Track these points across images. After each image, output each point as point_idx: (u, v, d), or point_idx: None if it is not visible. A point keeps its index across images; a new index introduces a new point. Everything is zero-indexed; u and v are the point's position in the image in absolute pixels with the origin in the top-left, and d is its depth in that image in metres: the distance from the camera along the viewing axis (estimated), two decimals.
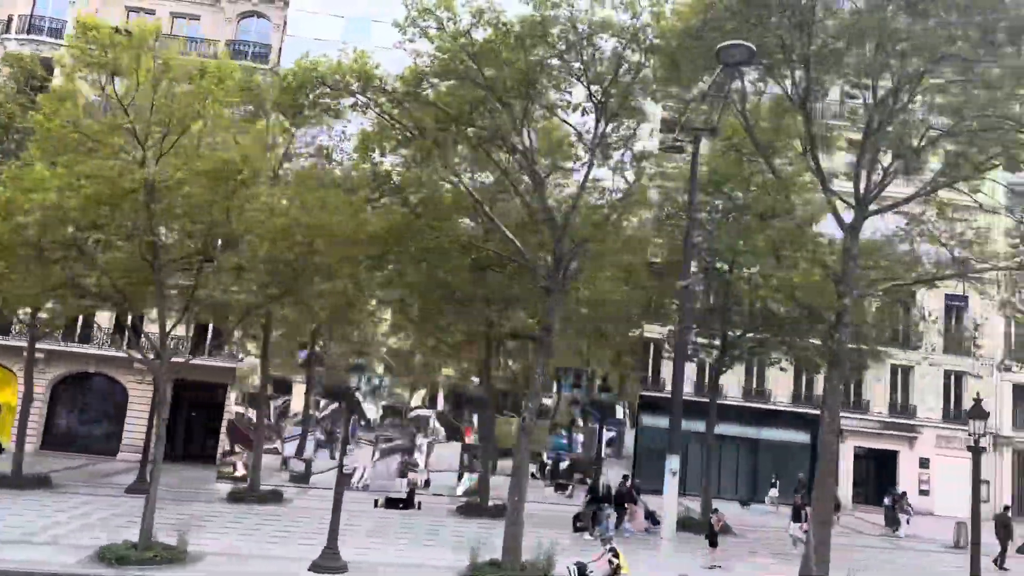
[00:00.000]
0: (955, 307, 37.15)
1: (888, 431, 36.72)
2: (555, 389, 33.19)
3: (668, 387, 37.26)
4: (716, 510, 25.20)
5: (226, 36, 37.05)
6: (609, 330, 25.90)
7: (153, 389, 27.28)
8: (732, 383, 37.09)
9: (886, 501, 29.84)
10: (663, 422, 36.82)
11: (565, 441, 39.77)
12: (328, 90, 16.26)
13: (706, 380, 37.40)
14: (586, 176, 17.44)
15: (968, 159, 17.35)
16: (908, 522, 29.45)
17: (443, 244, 18.09)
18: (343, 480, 16.80)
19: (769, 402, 37.01)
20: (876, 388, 37.08)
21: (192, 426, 37.12)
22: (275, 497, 24.82)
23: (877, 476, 37.35)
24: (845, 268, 17.94)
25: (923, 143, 17.83)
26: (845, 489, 36.44)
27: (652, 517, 27.13)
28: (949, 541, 27.14)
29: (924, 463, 36.61)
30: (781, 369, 36.48)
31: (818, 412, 36.50)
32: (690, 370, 36.75)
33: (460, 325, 20.24)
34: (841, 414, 36.71)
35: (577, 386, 30.64)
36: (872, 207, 18.44)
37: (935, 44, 16.36)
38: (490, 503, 25.41)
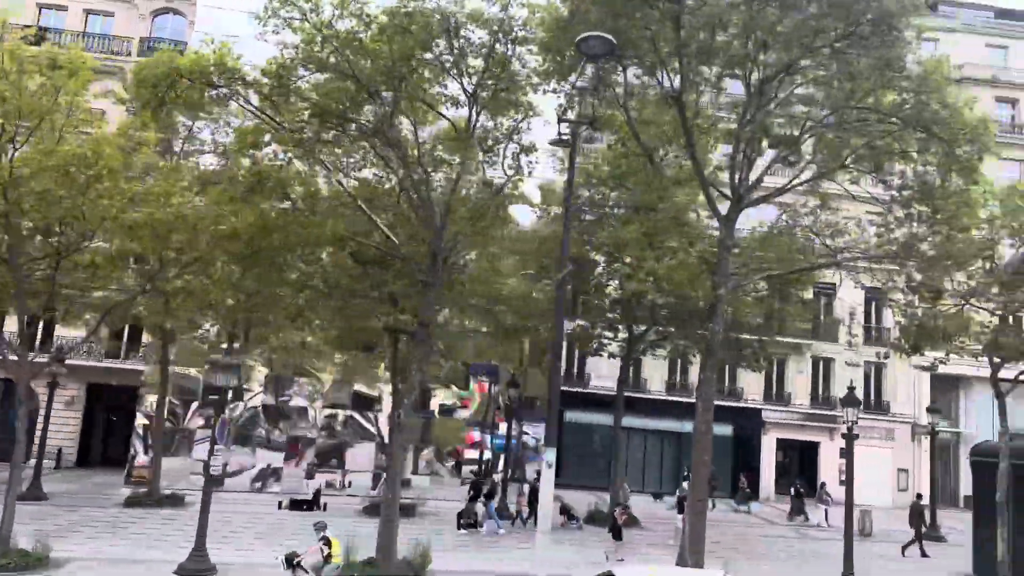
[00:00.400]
0: (873, 299, 37.74)
1: (810, 422, 37.20)
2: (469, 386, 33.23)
3: (594, 382, 37.50)
4: (620, 503, 25.32)
5: (140, 33, 36.36)
6: (516, 325, 25.79)
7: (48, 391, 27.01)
8: (655, 377, 37.37)
9: (791, 492, 30.18)
10: (589, 417, 37.27)
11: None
12: (189, 83, 15.91)
13: (630, 375, 37.72)
14: (460, 171, 17.29)
15: (835, 151, 17.53)
16: (828, 512, 29.77)
17: (320, 239, 17.83)
18: (211, 482, 16.46)
19: (692, 395, 37.17)
20: (798, 380, 37.56)
21: (112, 430, 36.41)
22: (174, 501, 24.35)
23: (799, 467, 37.84)
24: (720, 259, 18.05)
25: (800, 135, 18.00)
26: (768, 480, 36.88)
27: (569, 513, 27.20)
28: (864, 529, 27.50)
29: (844, 453, 37.06)
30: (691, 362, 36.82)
31: (741, 405, 37.17)
32: (614, 365, 36.94)
33: (338, 322, 19.96)
34: (764, 406, 37.60)
35: (492, 383, 30.45)
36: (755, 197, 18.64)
37: (801, 36, 16.50)
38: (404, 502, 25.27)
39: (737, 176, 18.12)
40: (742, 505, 30.42)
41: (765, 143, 18.30)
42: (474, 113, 17.36)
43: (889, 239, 17.65)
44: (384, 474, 28.59)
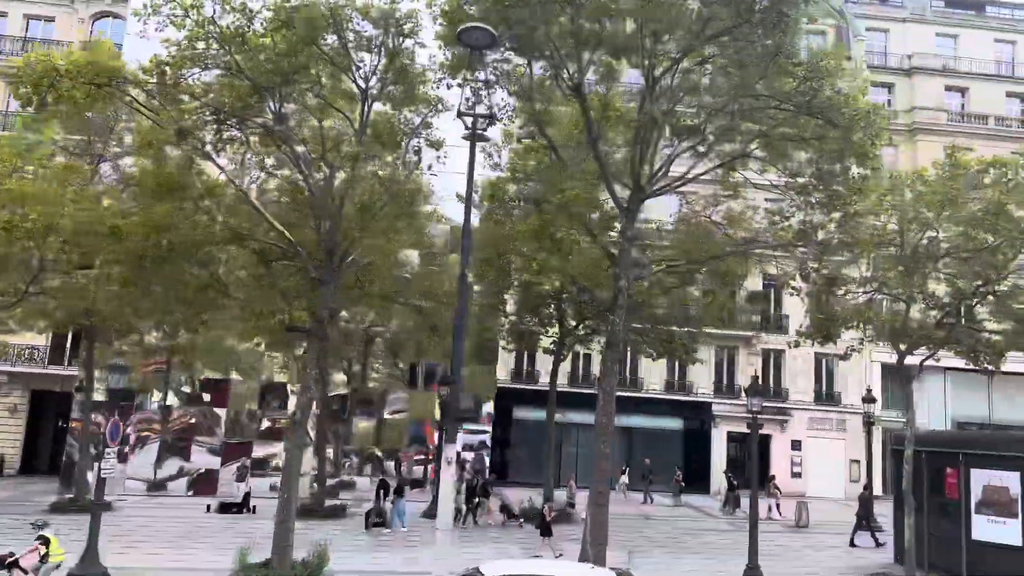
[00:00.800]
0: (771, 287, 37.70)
1: (760, 415, 36.98)
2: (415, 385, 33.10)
3: (544, 380, 37.28)
4: (548, 500, 25.21)
5: (80, 37, 36.03)
6: (445, 323, 25.61)
7: None
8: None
9: (725, 484, 30.13)
10: (539, 414, 37.03)
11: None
12: (69, 83, 15.69)
13: (579, 371, 37.63)
14: (355, 163, 17.07)
15: (733, 140, 17.43)
16: (776, 506, 29.67)
17: (217, 238, 17.65)
18: (102, 486, 16.26)
19: (642, 391, 37.15)
20: (749, 373, 37.40)
21: (60, 437, 36.09)
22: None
23: (750, 460, 37.74)
24: (621, 250, 17.91)
25: (702, 124, 17.86)
26: (718, 473, 36.75)
27: (508, 511, 27.07)
28: (800, 521, 27.46)
29: (796, 445, 37.09)
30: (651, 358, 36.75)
31: (691, 399, 37.07)
32: (565, 363, 36.81)
33: (244, 321, 19.76)
34: (714, 400, 37.51)
35: (429, 381, 30.22)
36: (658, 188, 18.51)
37: (690, 24, 16.38)
38: (336, 504, 25.15)
39: (642, 167, 18.02)
40: (677, 498, 30.30)
41: (667, 132, 18.15)
42: (366, 108, 17.19)
43: (784, 227, 17.54)
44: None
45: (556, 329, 27.23)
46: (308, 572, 16.28)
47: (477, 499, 26.76)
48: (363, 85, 17.12)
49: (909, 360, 19.12)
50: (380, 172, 17.61)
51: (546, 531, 22.45)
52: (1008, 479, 17.61)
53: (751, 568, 17.23)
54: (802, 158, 17.67)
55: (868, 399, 29.04)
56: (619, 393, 36.95)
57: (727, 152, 17.89)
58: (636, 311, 25.00)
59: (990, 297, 17.85)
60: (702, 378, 37.39)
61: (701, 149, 18.35)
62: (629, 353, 36.29)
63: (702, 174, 18.43)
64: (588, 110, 17.78)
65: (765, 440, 37.35)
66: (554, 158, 19.10)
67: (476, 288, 26.36)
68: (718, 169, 18.33)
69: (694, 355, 26.85)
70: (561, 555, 20.39)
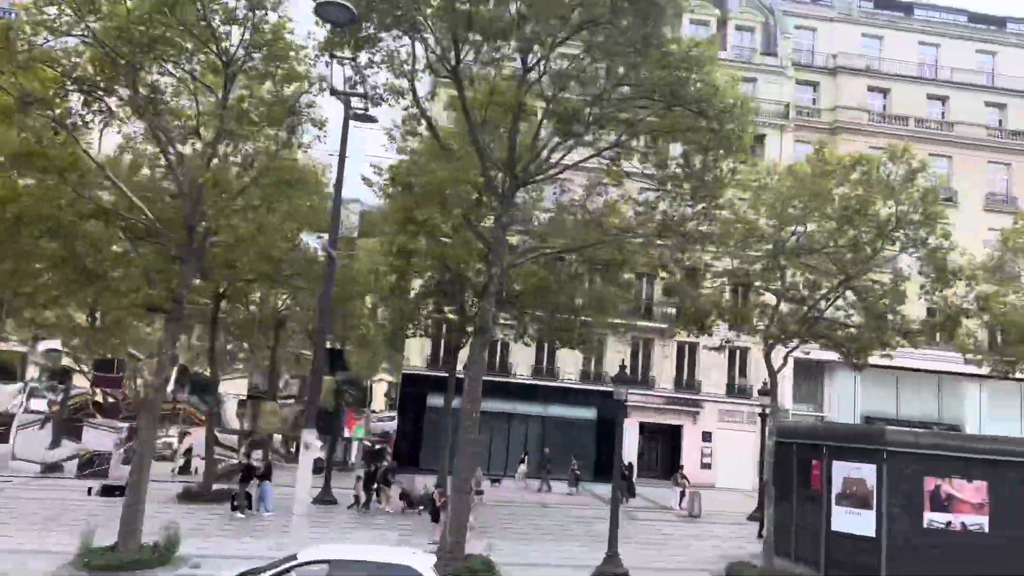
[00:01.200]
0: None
1: (672, 406, 37.46)
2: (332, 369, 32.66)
3: (459, 368, 37.13)
4: (439, 486, 25.14)
5: None
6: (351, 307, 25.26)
7: None
8: (522, 361, 37.22)
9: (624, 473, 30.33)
10: (456, 402, 36.82)
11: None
12: None
13: (497, 359, 37.56)
14: (215, 143, 16.64)
15: (604, 129, 17.37)
16: (682, 495, 29.88)
17: (80, 211, 17.11)
18: None
19: (558, 380, 37.23)
20: (663, 364, 37.78)
21: None
22: None
23: (662, 450, 38.20)
24: (495, 237, 17.78)
25: (574, 113, 17.76)
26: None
27: (408, 498, 26.91)
28: (692, 511, 27.72)
29: (707, 437, 37.52)
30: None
31: (605, 388, 37.15)
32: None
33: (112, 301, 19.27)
34: (628, 390, 37.61)
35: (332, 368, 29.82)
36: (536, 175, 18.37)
37: (558, 9, 16.24)
38: (225, 488, 24.66)
39: (514, 152, 17.88)
40: (572, 487, 30.43)
41: (543, 119, 18.02)
42: (229, 83, 16.75)
43: (652, 217, 17.57)
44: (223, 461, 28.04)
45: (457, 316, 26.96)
46: (157, 556, 15.94)
47: (377, 485, 26.55)
48: (226, 59, 16.66)
49: (819, 356, 19.30)
50: (247, 149, 17.19)
51: (436, 517, 22.35)
52: (865, 471, 17.88)
53: (610, 555, 17.28)
54: (676, 150, 17.70)
55: (764, 391, 29.35)
56: (535, 382, 37.41)
57: (601, 141, 17.83)
58: (535, 300, 25.03)
59: (849, 292, 18.10)
60: (616, 368, 37.49)
61: (587, 138, 18.28)
62: (547, 343, 36.38)
63: (581, 162, 18.36)
64: (463, 93, 17.57)
65: (676, 431, 37.80)
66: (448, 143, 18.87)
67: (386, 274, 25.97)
68: (597, 158, 18.23)
69: (591, 344, 26.81)
70: (488, 543, 20.37)
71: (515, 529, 22.57)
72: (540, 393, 36.74)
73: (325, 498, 25.08)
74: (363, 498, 25.77)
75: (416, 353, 36.18)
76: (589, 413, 36.72)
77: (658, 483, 34.60)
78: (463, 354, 36.88)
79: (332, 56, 16.80)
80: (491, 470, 34.12)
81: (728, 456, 37.18)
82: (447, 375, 36.27)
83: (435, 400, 36.46)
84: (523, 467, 30.09)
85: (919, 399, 39.33)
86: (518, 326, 26.38)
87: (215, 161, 16.82)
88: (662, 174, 17.28)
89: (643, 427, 37.58)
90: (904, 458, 17.73)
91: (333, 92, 17.76)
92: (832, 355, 35.91)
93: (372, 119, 20.43)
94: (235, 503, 21.58)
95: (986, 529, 17.62)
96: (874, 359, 38.19)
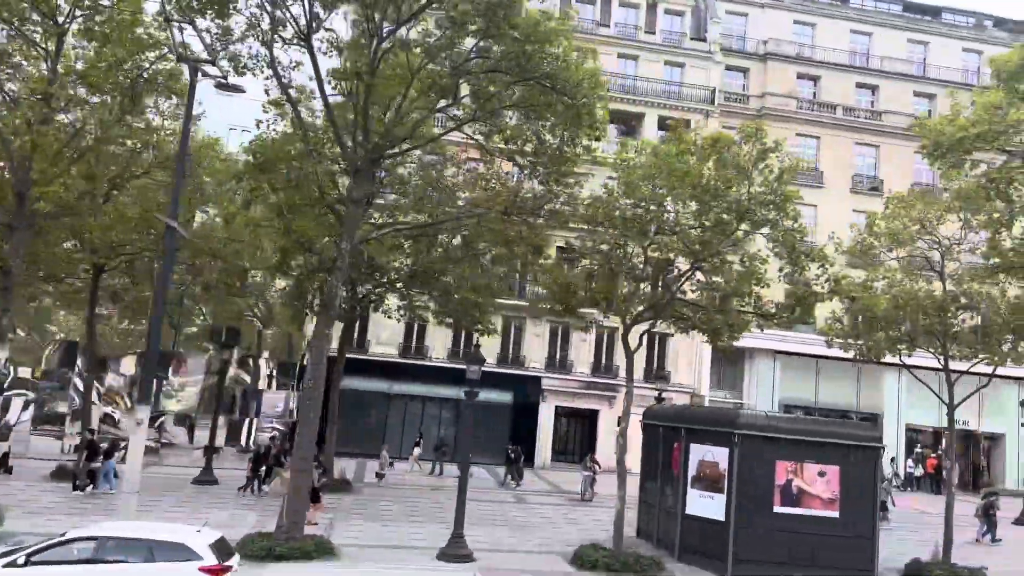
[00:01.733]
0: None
1: (589, 391, 37.30)
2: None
3: (374, 349, 36.77)
4: (319, 466, 24.73)
5: None
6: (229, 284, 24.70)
7: None
8: (438, 344, 36.87)
9: (506, 456, 30.21)
10: (367, 384, 36.57)
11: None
12: None
13: (413, 341, 37.18)
14: (41, 107, 16.02)
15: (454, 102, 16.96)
16: (593, 481, 29.68)
17: None
18: None
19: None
20: (581, 348, 37.58)
21: None
22: None
23: (579, 435, 38.08)
24: (347, 212, 17.35)
25: (429, 86, 17.32)
26: (545, 447, 36.93)
27: None
28: (584, 495, 27.59)
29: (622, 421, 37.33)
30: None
31: (521, 372, 37.01)
32: (396, 332, 36.32)
33: None
34: (544, 374, 37.51)
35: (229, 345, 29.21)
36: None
37: None
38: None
39: (367, 123, 17.41)
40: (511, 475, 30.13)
41: (400, 88, 17.56)
42: (60, 43, 16.15)
43: (499, 193, 17.21)
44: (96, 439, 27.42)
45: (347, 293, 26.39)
46: None
47: (266, 467, 26.09)
48: (57, 19, 16.05)
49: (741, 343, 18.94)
50: (78, 115, 16.59)
51: (315, 498, 21.96)
52: (719, 454, 17.76)
53: (455, 536, 17.00)
54: (531, 127, 17.32)
55: (659, 376, 29.31)
56: (450, 365, 37.00)
57: (455, 115, 17.44)
58: (425, 279, 24.64)
59: (698, 273, 17.90)
60: (536, 352, 37.37)
61: (455, 112, 17.86)
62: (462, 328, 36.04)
63: (441, 135, 17.99)
64: (316, 61, 17.10)
65: (593, 415, 37.66)
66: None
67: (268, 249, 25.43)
68: (469, 135, 17.82)
69: (483, 326, 26.48)
70: (330, 520, 20.04)
71: (391, 512, 22.25)
72: (455, 375, 36.25)
73: (205, 478, 24.61)
74: (252, 479, 25.30)
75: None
76: (505, 397, 36.45)
77: (573, 467, 34.44)
78: (384, 335, 36.80)
79: (168, 20, 16.24)
80: (403, 452, 33.77)
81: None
82: (363, 357, 36.26)
83: (348, 382, 36.04)
84: (417, 450, 29.71)
85: (838, 387, 39.48)
86: (407, 307, 25.96)
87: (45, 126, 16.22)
88: (511, 149, 16.89)
89: (560, 411, 37.40)
90: (757, 442, 17.64)
91: (180, 59, 17.26)
92: (754, 342, 36.25)
93: (238, 89, 19.88)
94: (76, 481, 21.04)
95: (837, 514, 17.60)
96: (794, 347, 38.42)
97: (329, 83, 17.84)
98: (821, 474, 17.54)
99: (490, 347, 37.14)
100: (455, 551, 16.85)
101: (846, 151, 41.49)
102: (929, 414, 40.28)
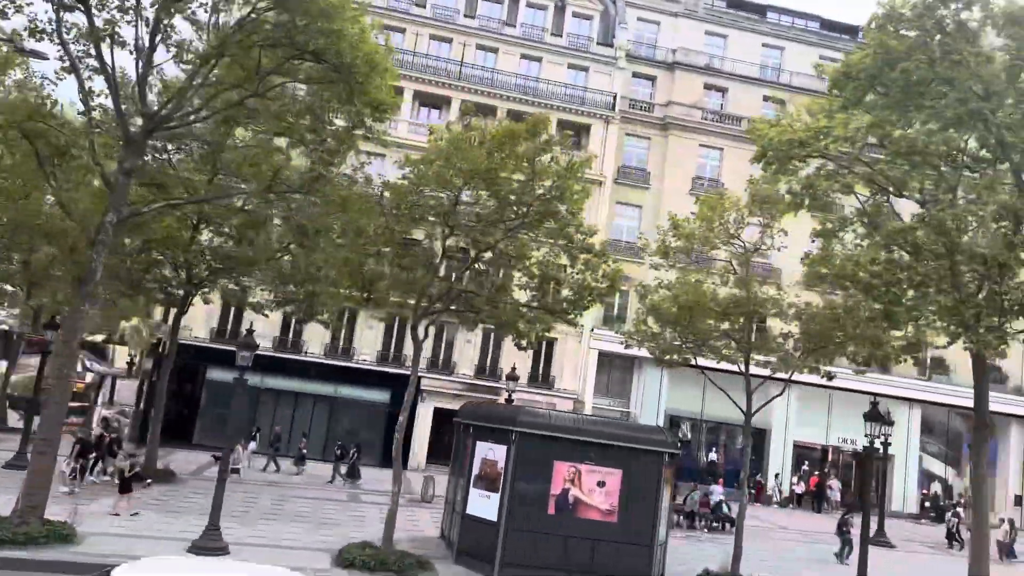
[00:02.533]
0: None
1: (471, 392, 36.53)
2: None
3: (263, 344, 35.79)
4: (132, 455, 23.95)
5: None
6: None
7: None
8: (315, 340, 36.04)
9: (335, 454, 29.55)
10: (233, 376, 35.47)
11: None
12: None
13: (290, 336, 36.34)
14: None
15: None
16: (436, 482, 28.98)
17: None
18: None
19: (353, 360, 36.14)
20: (466, 350, 36.94)
21: None
22: None
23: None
24: (118, 185, 16.58)
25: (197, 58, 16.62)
26: (421, 448, 36.18)
27: (136, 473, 25.56)
28: (425, 495, 26.91)
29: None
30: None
31: (401, 372, 36.20)
32: (272, 324, 35.40)
33: None
34: (425, 375, 36.78)
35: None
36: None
37: None
38: None
39: (144, 93, 16.72)
40: (300, 466, 29.28)
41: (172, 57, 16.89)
42: None
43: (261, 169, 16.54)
44: None
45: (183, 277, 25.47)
46: None
47: (95, 455, 25.14)
48: None
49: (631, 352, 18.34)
50: None
51: (125, 488, 21.12)
52: (499, 453, 17.16)
53: (210, 529, 16.23)
54: (308, 102, 16.69)
55: (511, 376, 28.72)
56: (328, 362, 36.20)
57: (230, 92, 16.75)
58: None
59: (479, 264, 17.35)
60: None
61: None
62: (345, 321, 35.34)
63: (224, 109, 17.26)
64: (92, 22, 16.33)
65: None
66: None
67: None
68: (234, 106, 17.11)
69: (333, 319, 25.64)
70: (136, 514, 19.19)
71: (186, 506, 21.39)
72: (333, 373, 35.63)
73: (19, 463, 23.61)
74: (75, 467, 24.35)
75: (201, 323, 34.68)
76: (383, 396, 35.72)
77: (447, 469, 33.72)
78: (259, 328, 35.82)
79: None
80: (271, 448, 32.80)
81: None
82: (231, 349, 35.27)
83: (216, 374, 35.14)
84: (253, 444, 28.75)
85: (726, 401, 38.90)
86: (239, 292, 25.14)
87: None
88: (281, 125, 16.25)
89: (439, 413, 36.62)
90: (535, 440, 17.06)
91: None
92: (643, 351, 35.80)
93: (39, 54, 19.15)
94: None
95: (615, 518, 17.05)
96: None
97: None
98: (601, 484, 16.96)
99: (369, 344, 36.57)
100: (207, 543, 16.08)
101: (749, 164, 41.18)
102: (818, 431, 40.17)
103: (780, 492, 38.02)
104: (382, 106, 16.23)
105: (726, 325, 18.36)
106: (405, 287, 18.20)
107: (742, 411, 19.81)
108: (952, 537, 28.97)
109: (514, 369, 28.34)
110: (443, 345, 36.91)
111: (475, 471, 17.68)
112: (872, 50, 19.11)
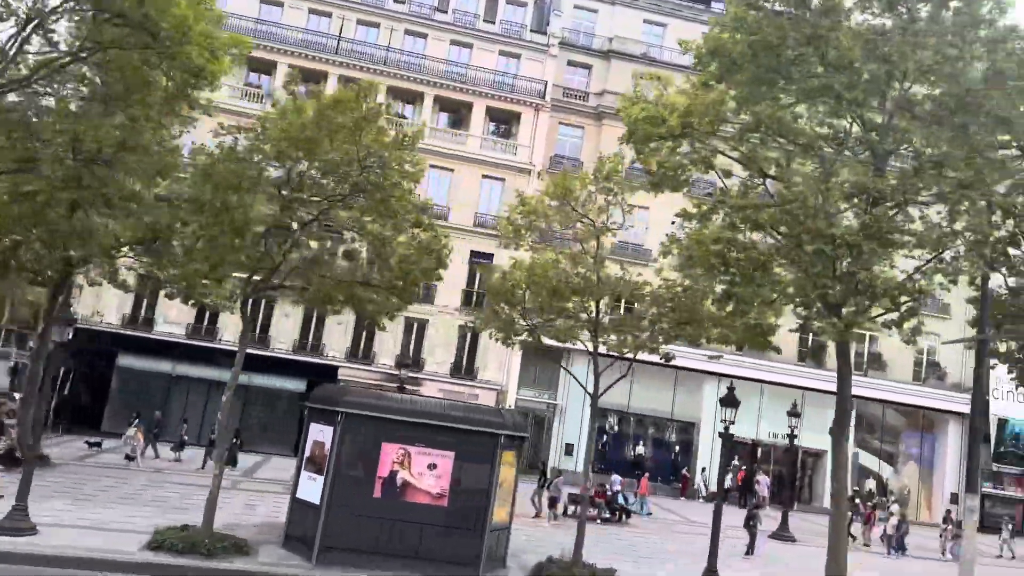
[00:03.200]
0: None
1: (391, 382, 36.01)
2: None
3: (159, 328, 35.35)
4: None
5: None
6: None
7: None
8: (230, 328, 35.49)
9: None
10: (151, 364, 35.12)
11: None
12: None
13: (204, 323, 35.83)
14: None
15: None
16: None
17: None
18: None
19: (269, 349, 35.60)
20: (385, 339, 36.36)
21: None
22: None
23: None
24: None
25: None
26: None
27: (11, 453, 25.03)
28: None
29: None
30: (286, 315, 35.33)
31: (318, 360, 35.74)
32: (186, 312, 34.86)
33: None
34: (343, 364, 36.28)
35: None
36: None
37: None
38: None
39: None
40: (176, 452, 28.65)
41: None
42: None
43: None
44: None
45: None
46: None
47: None
48: None
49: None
50: None
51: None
52: (326, 434, 16.60)
53: (17, 509, 15.63)
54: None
55: (401, 363, 28.19)
56: (250, 350, 35.51)
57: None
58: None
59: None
60: (336, 341, 36.16)
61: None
62: (261, 310, 34.81)
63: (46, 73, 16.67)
64: None
65: None
66: None
67: None
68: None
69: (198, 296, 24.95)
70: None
71: (39, 489, 20.73)
72: (249, 362, 34.81)
73: None
74: None
75: (111, 309, 34.15)
76: (299, 385, 35.15)
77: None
78: (172, 314, 35.36)
79: None
80: (185, 436, 32.21)
81: None
82: (145, 335, 34.82)
83: (127, 361, 34.65)
84: (131, 429, 28.07)
85: (654, 394, 38.53)
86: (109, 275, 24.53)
87: None
88: (97, 93, 15.71)
89: None
90: (362, 421, 16.50)
91: None
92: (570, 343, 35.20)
93: None
94: None
95: (446, 502, 16.50)
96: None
97: None
98: (432, 467, 16.40)
99: (287, 333, 36.05)
100: (13, 523, 15.52)
101: None
102: (748, 425, 39.57)
103: (706, 487, 37.45)
104: (202, 73, 15.68)
105: (570, 305, 17.79)
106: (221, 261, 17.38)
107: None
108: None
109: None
110: (364, 335, 36.34)
111: (307, 453, 17.14)
112: (730, 25, 18.64)
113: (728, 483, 37.24)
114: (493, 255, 34.00)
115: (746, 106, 18.41)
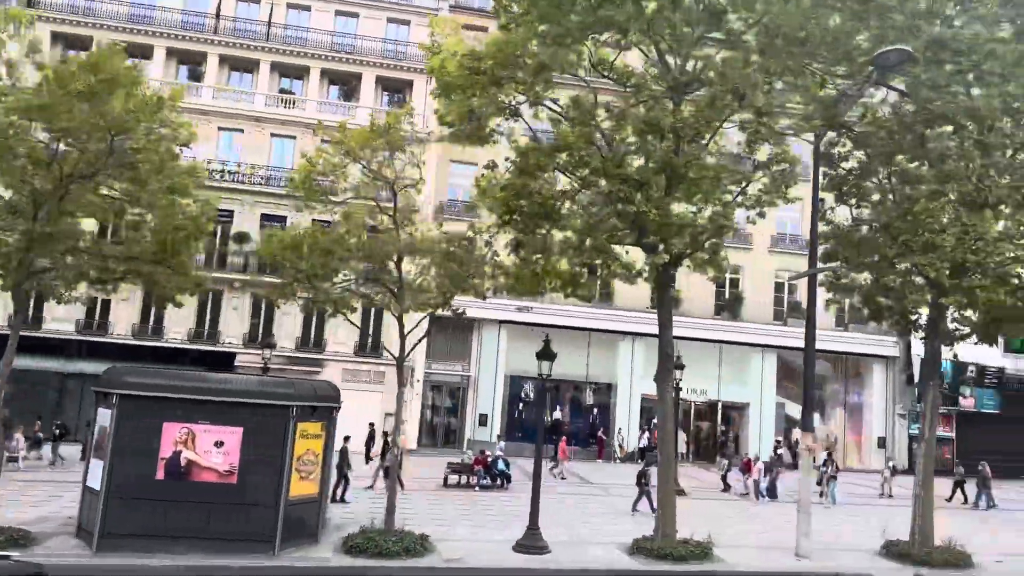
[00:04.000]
0: None
1: (293, 366, 35.37)
2: None
3: (49, 325, 34.62)
4: None
5: None
6: None
7: None
8: (123, 319, 34.81)
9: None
10: (41, 363, 34.36)
11: None
12: None
13: (96, 317, 35.11)
14: None
15: None
16: None
17: None
18: None
19: (163, 339, 34.92)
20: (285, 322, 35.69)
21: None
22: None
23: None
24: None
25: None
26: None
27: None
28: None
29: None
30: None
31: (214, 348, 35.06)
32: (75, 307, 34.08)
33: None
34: (241, 350, 35.61)
35: None
36: None
37: None
38: None
39: None
40: (34, 451, 27.99)
41: None
42: None
43: None
44: None
45: None
46: None
47: None
48: None
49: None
50: None
51: None
52: (107, 417, 15.95)
53: None
54: None
55: (267, 344, 27.54)
56: (137, 343, 34.94)
57: None
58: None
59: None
60: (233, 327, 35.46)
61: None
62: (152, 300, 34.03)
63: None
64: None
65: None
66: None
67: None
68: None
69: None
70: None
71: None
72: (143, 353, 34.28)
73: None
74: None
75: None
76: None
77: None
78: (60, 311, 34.58)
79: None
80: (75, 436, 31.68)
81: (354, 416, 35.28)
82: (34, 334, 34.03)
83: (25, 362, 33.84)
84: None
85: (569, 358, 37.75)
86: None
87: None
88: None
89: None
90: (141, 402, 15.82)
91: None
92: (481, 312, 34.56)
93: None
94: None
95: (235, 479, 15.89)
96: (520, 316, 36.76)
97: None
98: (219, 444, 15.77)
99: (182, 321, 35.30)
100: None
101: None
102: None
103: (622, 447, 37.00)
104: None
105: (353, 263, 17.12)
106: None
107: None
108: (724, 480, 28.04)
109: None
110: (261, 320, 35.66)
111: (95, 439, 16.51)
112: None
113: (644, 442, 36.86)
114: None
115: (539, 47, 17.64)
